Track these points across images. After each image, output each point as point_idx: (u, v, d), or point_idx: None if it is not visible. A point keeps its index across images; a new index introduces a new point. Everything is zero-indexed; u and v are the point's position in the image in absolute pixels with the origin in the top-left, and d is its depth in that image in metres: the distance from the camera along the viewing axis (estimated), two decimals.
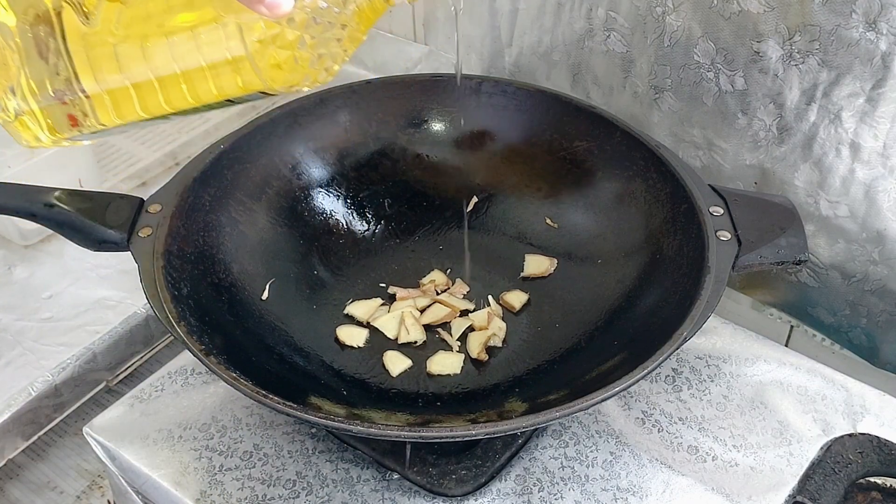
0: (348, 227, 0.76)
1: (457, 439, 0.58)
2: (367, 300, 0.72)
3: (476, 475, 0.61)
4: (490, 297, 0.73)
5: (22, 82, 0.49)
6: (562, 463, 0.63)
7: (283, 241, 0.73)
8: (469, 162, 0.78)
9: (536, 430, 0.65)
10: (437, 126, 0.79)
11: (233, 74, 0.50)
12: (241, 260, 0.69)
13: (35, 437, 0.73)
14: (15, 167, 0.80)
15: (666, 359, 0.55)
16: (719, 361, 0.70)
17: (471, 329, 0.71)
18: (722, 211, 0.65)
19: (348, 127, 0.77)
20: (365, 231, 0.77)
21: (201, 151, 0.70)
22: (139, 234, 0.63)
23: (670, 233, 0.67)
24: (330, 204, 0.76)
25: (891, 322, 0.75)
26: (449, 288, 0.74)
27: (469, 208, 0.78)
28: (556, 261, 0.75)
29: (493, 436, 0.62)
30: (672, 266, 0.66)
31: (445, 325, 0.71)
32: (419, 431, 0.53)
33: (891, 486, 0.63)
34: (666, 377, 0.69)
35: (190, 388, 0.69)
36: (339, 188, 0.77)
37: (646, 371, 0.54)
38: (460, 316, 0.72)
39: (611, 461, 0.63)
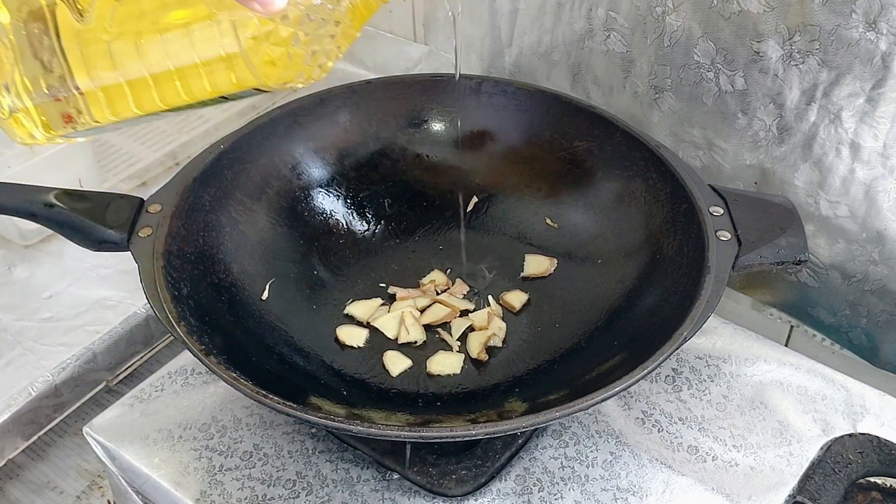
0: (348, 227, 0.76)
1: (457, 439, 0.58)
2: (367, 300, 0.72)
3: (476, 475, 0.61)
4: (490, 297, 0.73)
5: (16, 79, 0.49)
6: (562, 463, 0.63)
7: (283, 241, 0.73)
8: (469, 162, 0.78)
9: (536, 430, 0.65)
10: (437, 126, 0.79)
11: (227, 71, 0.50)
12: (241, 260, 0.69)
13: (35, 437, 0.73)
14: (15, 167, 0.80)
15: (666, 359, 0.55)
16: (719, 361, 0.70)
17: (471, 329, 0.71)
18: (722, 211, 0.65)
19: (348, 127, 0.77)
20: (365, 231, 0.77)
21: (201, 151, 0.70)
22: (139, 234, 0.63)
23: (670, 233, 0.67)
24: (330, 204, 0.76)
25: (891, 322, 0.75)
26: (449, 288, 0.74)
27: (469, 208, 0.78)
28: (556, 261, 0.75)
29: (493, 436, 0.62)
30: (672, 266, 0.66)
31: (445, 325, 0.71)
32: (419, 431, 0.53)
33: (891, 486, 0.63)
34: (666, 377, 0.69)
35: (190, 388, 0.69)
36: (339, 188, 0.77)
37: (646, 371, 0.54)
38: (460, 316, 0.72)
39: (611, 461, 0.63)
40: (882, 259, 0.73)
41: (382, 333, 0.70)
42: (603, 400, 0.54)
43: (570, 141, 0.75)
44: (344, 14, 0.50)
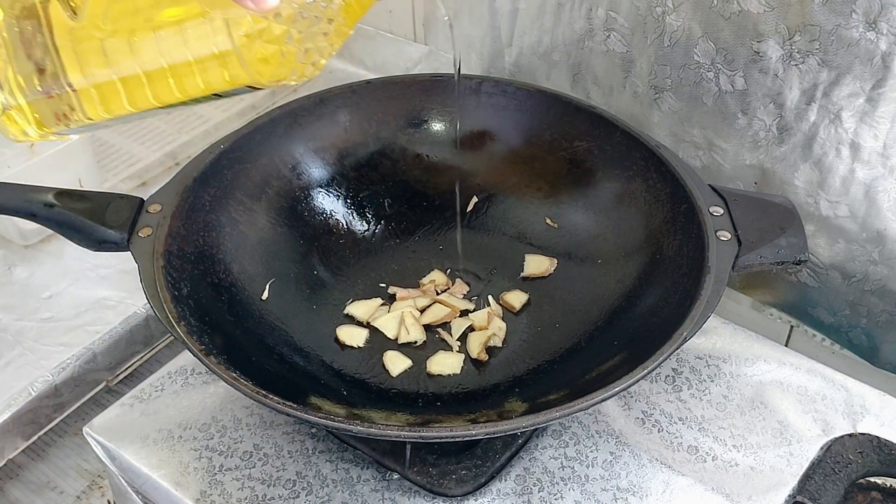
0: (348, 227, 0.76)
1: (457, 439, 0.58)
2: (367, 300, 0.72)
3: (476, 475, 0.61)
4: (490, 297, 0.73)
5: (9, 77, 0.49)
6: (562, 463, 0.63)
7: (283, 241, 0.73)
8: (469, 162, 0.78)
9: (536, 430, 0.65)
10: (437, 126, 0.79)
11: (220, 69, 0.50)
12: (241, 260, 0.69)
13: (35, 437, 0.73)
14: (15, 167, 0.80)
15: (666, 359, 0.55)
16: (719, 361, 0.70)
17: (471, 329, 0.71)
18: (722, 211, 0.65)
19: (348, 127, 0.77)
20: (365, 231, 0.77)
21: (201, 151, 0.70)
22: (139, 234, 0.63)
23: (670, 233, 0.67)
24: (330, 204, 0.76)
25: (891, 322, 0.75)
26: (449, 288, 0.74)
27: (469, 208, 0.78)
28: (556, 261, 0.75)
29: (493, 436, 0.62)
30: (672, 266, 0.66)
31: (445, 325, 0.71)
32: (419, 431, 0.53)
33: (891, 486, 0.63)
34: (666, 377, 0.69)
35: (190, 388, 0.69)
36: (339, 188, 0.77)
37: (646, 371, 0.54)
38: (460, 316, 0.72)
39: (611, 461, 0.63)
40: (882, 259, 0.73)
41: (382, 333, 0.70)
42: (603, 400, 0.54)
43: (570, 141, 0.75)
44: (337, 12, 0.50)
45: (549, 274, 0.74)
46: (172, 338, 0.63)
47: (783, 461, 0.63)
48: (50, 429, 0.74)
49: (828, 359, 0.74)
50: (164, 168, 0.95)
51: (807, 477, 0.62)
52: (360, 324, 0.71)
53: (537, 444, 0.64)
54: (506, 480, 0.62)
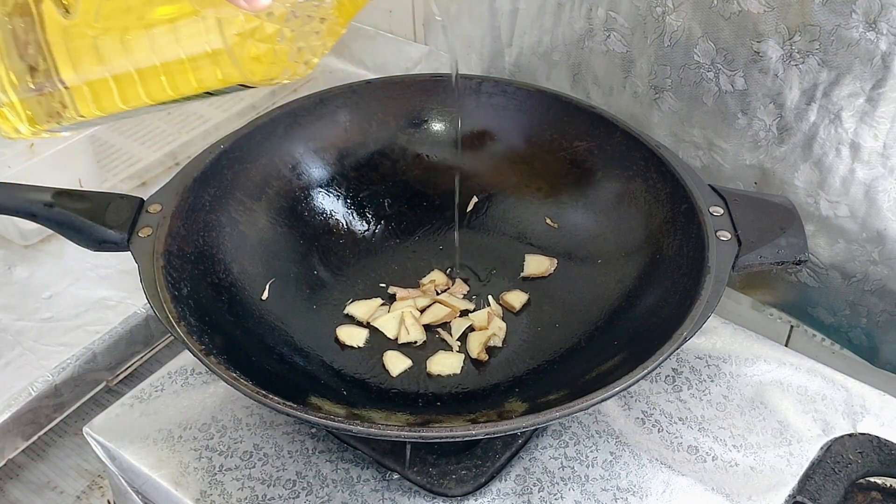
0: (348, 227, 0.76)
1: (457, 439, 0.58)
2: (367, 300, 0.72)
3: (476, 475, 0.61)
4: (490, 297, 0.73)
5: (1, 74, 0.49)
6: (562, 463, 0.63)
7: (283, 241, 0.73)
8: (469, 162, 0.78)
9: (536, 430, 0.65)
10: (437, 126, 0.79)
11: (212, 67, 0.50)
12: (241, 260, 0.69)
13: (35, 437, 0.73)
14: (15, 167, 0.80)
15: (666, 359, 0.55)
16: (719, 361, 0.70)
17: (471, 329, 0.71)
18: (722, 211, 0.65)
19: (348, 127, 0.77)
20: (365, 231, 0.77)
21: (201, 151, 0.70)
22: (139, 234, 0.63)
23: (670, 233, 0.67)
24: (330, 204, 0.76)
25: (891, 322, 0.75)
26: (449, 288, 0.74)
27: (469, 208, 0.78)
28: (556, 261, 0.75)
29: (493, 436, 0.62)
30: (672, 266, 0.66)
31: (445, 325, 0.71)
32: (419, 431, 0.53)
33: (891, 486, 0.63)
34: (666, 377, 0.69)
35: (190, 388, 0.69)
36: (339, 188, 0.77)
37: (646, 371, 0.54)
38: (460, 316, 0.72)
39: (611, 461, 0.63)
40: (882, 259, 0.73)
41: (382, 333, 0.70)
42: (603, 400, 0.54)
43: (570, 141, 0.75)
44: (329, 11, 0.50)
45: (549, 274, 0.74)
46: (172, 338, 0.63)
47: (783, 461, 0.63)
48: (50, 429, 0.74)
49: (828, 359, 0.74)
50: (164, 168, 0.95)
51: (807, 477, 0.62)
52: (360, 324, 0.71)
53: (537, 444, 0.64)
54: (506, 480, 0.62)
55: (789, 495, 0.62)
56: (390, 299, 0.73)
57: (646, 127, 0.80)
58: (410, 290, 0.73)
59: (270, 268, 0.70)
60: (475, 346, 0.69)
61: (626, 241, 0.71)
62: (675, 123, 0.79)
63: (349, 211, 0.77)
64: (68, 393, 0.74)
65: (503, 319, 0.71)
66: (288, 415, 0.53)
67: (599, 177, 0.74)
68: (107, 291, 0.80)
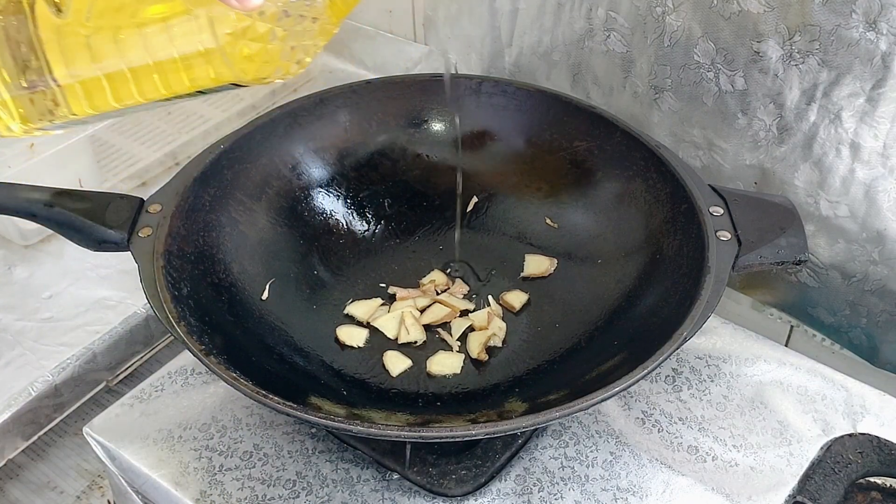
0: (348, 227, 0.76)
1: (457, 439, 0.58)
2: (367, 300, 0.72)
3: (476, 475, 0.61)
4: (490, 297, 0.73)
5: None
6: (562, 463, 0.63)
7: (283, 241, 0.73)
8: (469, 162, 0.78)
9: (536, 430, 0.65)
10: (437, 126, 0.79)
11: (205, 66, 0.50)
12: (241, 260, 0.69)
13: (35, 437, 0.73)
14: (15, 167, 0.80)
15: (666, 359, 0.55)
16: (719, 361, 0.70)
17: (471, 329, 0.71)
18: (722, 211, 0.65)
19: (348, 127, 0.77)
20: (365, 231, 0.77)
21: (201, 151, 0.70)
22: (139, 234, 0.63)
23: (670, 233, 0.67)
24: (330, 204, 0.76)
25: (891, 322, 0.75)
26: (449, 288, 0.74)
27: (469, 208, 0.78)
28: (556, 261, 0.75)
29: (493, 436, 0.62)
30: (672, 266, 0.66)
31: (445, 325, 0.71)
32: (419, 431, 0.53)
33: (891, 486, 0.63)
34: (666, 377, 0.69)
35: (190, 388, 0.69)
36: (339, 188, 0.77)
37: (646, 371, 0.54)
38: (460, 316, 0.72)
39: (611, 461, 0.63)
40: (882, 259, 0.73)
41: (382, 333, 0.70)
42: (603, 400, 0.54)
43: (570, 141, 0.75)
44: (321, 10, 0.50)
45: (549, 274, 0.74)
46: (172, 338, 0.63)
47: (783, 461, 0.63)
48: (50, 429, 0.74)
49: (828, 359, 0.74)
50: (164, 168, 0.95)
51: (807, 477, 0.62)
52: (360, 324, 0.71)
53: (537, 444, 0.64)
54: (506, 480, 0.62)
55: (789, 495, 0.62)
56: (390, 299, 0.73)
57: (646, 127, 0.80)
58: (410, 290, 0.73)
59: (270, 268, 0.70)
60: (475, 346, 0.69)
61: (626, 241, 0.71)
62: (675, 123, 0.79)
63: (349, 211, 0.77)
64: (68, 393, 0.74)
65: (503, 319, 0.71)
66: (288, 415, 0.53)
67: (599, 177, 0.74)
68: (107, 291, 0.80)
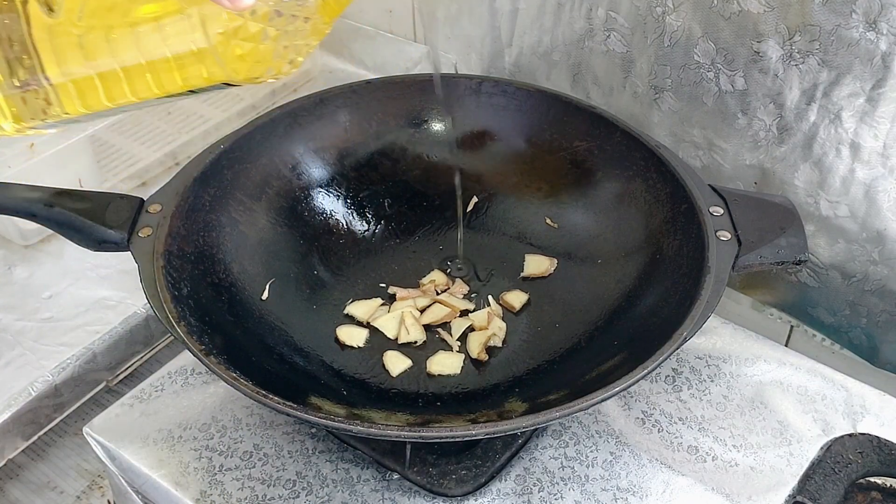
0: (348, 227, 0.76)
1: (457, 439, 0.58)
2: (367, 300, 0.72)
3: (476, 475, 0.61)
4: (490, 297, 0.73)
5: None
6: (562, 463, 0.63)
7: (283, 241, 0.73)
8: (469, 162, 0.78)
9: (536, 430, 0.65)
10: (437, 126, 0.79)
11: (197, 65, 0.49)
12: (241, 260, 0.69)
13: (35, 437, 0.73)
14: (15, 167, 0.80)
15: (666, 359, 0.55)
16: (719, 361, 0.70)
17: (471, 329, 0.71)
18: (722, 211, 0.65)
19: (348, 127, 0.77)
20: (365, 231, 0.77)
21: (201, 151, 0.70)
22: (139, 234, 0.63)
23: (670, 233, 0.67)
24: (330, 204, 0.76)
25: (891, 322, 0.75)
26: (449, 288, 0.74)
27: (469, 208, 0.78)
28: (556, 261, 0.75)
29: (493, 436, 0.62)
30: (672, 266, 0.66)
31: (445, 325, 0.71)
32: (419, 431, 0.53)
33: (891, 486, 0.63)
34: (666, 377, 0.69)
35: (190, 388, 0.69)
36: (339, 188, 0.77)
37: (646, 371, 0.54)
38: (460, 316, 0.72)
39: (611, 461, 0.63)
40: (882, 259, 0.73)
41: (382, 333, 0.70)
42: (603, 400, 0.54)
43: (570, 141, 0.75)
44: (313, 10, 0.50)
45: (549, 274, 0.74)
46: (172, 338, 0.63)
47: (783, 461, 0.63)
48: (50, 429, 0.74)
49: (828, 359, 0.74)
50: (164, 168, 0.95)
51: (807, 477, 0.62)
52: (360, 324, 0.71)
53: (537, 444, 0.64)
54: (506, 480, 0.62)
55: (789, 495, 0.62)
56: (390, 299, 0.73)
57: (646, 127, 0.80)
58: (410, 290, 0.73)
59: (270, 268, 0.70)
60: (475, 346, 0.69)
61: (626, 241, 0.71)
62: (675, 123, 0.79)
63: (349, 211, 0.77)
64: (68, 393, 0.74)
65: (503, 319, 0.71)
66: (288, 415, 0.53)
67: (599, 177, 0.74)
68: (107, 291, 0.80)
